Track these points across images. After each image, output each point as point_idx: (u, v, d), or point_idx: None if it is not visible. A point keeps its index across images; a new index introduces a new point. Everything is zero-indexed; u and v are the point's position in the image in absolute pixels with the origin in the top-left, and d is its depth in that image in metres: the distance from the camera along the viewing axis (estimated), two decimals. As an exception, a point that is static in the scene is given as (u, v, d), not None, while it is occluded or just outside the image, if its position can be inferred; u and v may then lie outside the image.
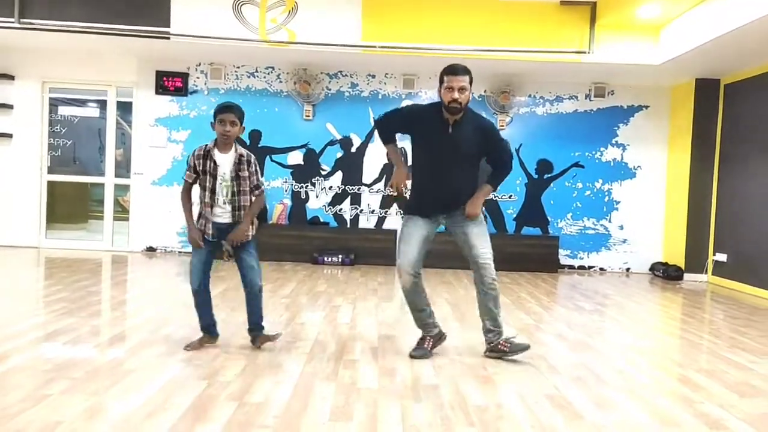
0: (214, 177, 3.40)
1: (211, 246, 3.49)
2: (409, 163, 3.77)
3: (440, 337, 3.71)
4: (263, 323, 3.67)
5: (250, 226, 3.51)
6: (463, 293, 6.02)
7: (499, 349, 3.57)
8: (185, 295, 5.39)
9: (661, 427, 2.69)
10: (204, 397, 2.77)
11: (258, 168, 3.51)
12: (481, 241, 3.48)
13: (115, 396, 2.75)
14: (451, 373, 3.31)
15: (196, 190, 3.52)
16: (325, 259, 7.74)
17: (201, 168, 3.40)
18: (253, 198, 3.51)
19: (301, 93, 8.00)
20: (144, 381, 2.96)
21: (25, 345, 3.51)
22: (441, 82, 3.39)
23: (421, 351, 3.60)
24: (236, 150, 3.43)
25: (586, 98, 8.37)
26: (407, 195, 3.62)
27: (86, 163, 8.85)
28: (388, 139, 3.66)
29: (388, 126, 3.63)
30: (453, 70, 3.35)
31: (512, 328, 4.55)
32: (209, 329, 3.64)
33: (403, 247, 3.50)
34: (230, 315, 4.52)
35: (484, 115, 3.72)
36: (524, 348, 3.56)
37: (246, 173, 3.44)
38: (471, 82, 3.37)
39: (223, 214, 3.46)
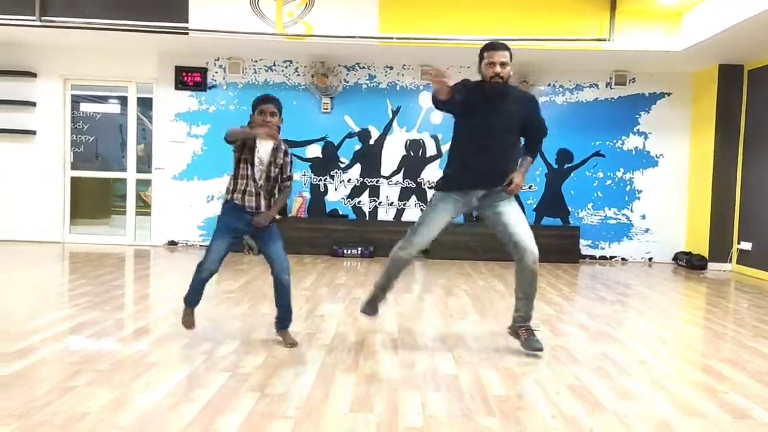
0: (252, 164, 3.36)
1: (235, 234, 3.50)
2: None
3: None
4: (290, 322, 3.63)
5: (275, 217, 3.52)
6: (483, 284, 6.00)
7: (518, 333, 3.57)
8: (208, 284, 5.45)
9: (684, 417, 2.66)
10: (226, 389, 2.80)
11: (292, 160, 3.56)
12: (518, 218, 3.44)
13: (140, 388, 2.79)
14: (471, 364, 3.31)
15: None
16: (345, 251, 7.76)
17: (240, 151, 3.36)
18: (283, 187, 3.51)
19: (318, 86, 8.00)
20: (167, 373, 3.00)
21: (51, 338, 3.57)
22: (481, 58, 3.39)
23: (375, 310, 3.81)
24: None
25: (606, 86, 8.26)
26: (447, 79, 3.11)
27: (108, 158, 8.96)
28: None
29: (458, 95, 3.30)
30: (493, 46, 3.37)
31: (535, 320, 4.52)
32: (195, 304, 3.65)
33: (423, 229, 3.49)
34: (252, 308, 4.57)
35: None
36: (537, 349, 3.46)
37: (281, 161, 3.43)
38: (511, 58, 3.37)
39: (254, 202, 3.42)
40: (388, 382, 2.97)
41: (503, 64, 3.32)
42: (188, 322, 3.62)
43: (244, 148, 3.36)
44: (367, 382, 2.97)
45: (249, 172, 3.36)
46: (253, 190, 3.38)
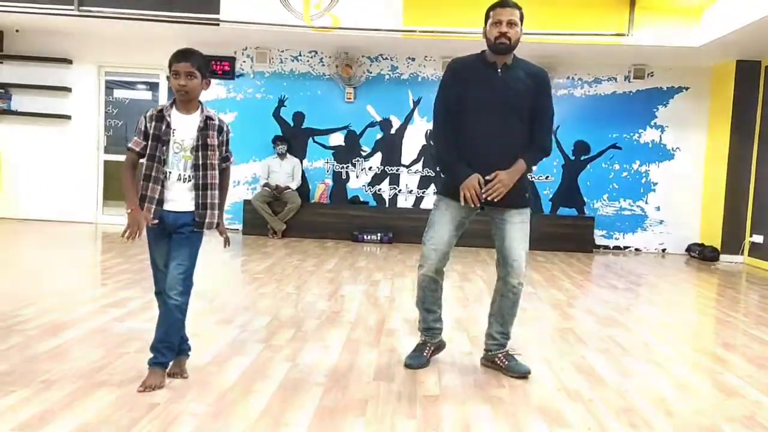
0: (166, 143, 2.63)
1: (167, 237, 2.72)
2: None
3: (440, 346, 3.22)
4: (165, 359, 2.66)
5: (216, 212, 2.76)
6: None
7: (495, 362, 3.07)
8: (237, 265, 5.79)
9: (679, 393, 2.90)
10: (262, 358, 3.09)
11: (230, 138, 2.82)
12: (518, 236, 2.98)
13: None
14: (483, 341, 3.54)
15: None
16: (365, 237, 8.03)
17: (152, 132, 2.63)
18: (218, 172, 2.74)
19: (342, 76, 8.25)
20: (208, 344, 3.28)
21: (98, 310, 3.88)
22: (487, 18, 2.96)
23: (419, 359, 3.09)
24: (202, 111, 2.70)
25: (625, 80, 8.41)
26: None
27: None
28: (449, 150, 2.99)
29: (444, 125, 3.02)
30: (500, 3, 2.94)
31: (546, 304, 4.76)
32: (179, 346, 2.78)
33: (430, 233, 3.02)
34: (278, 288, 4.86)
35: None
36: (522, 374, 2.98)
37: (215, 141, 2.70)
38: (522, 19, 2.93)
39: (178, 197, 2.68)
40: (409, 354, 3.23)
41: (511, 24, 2.86)
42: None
43: (154, 141, 2.64)
44: (388, 355, 3.25)
45: (158, 154, 2.64)
46: (161, 177, 2.66)
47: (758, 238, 7.69)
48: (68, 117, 8.52)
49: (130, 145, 2.67)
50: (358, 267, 6.10)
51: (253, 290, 4.76)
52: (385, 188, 8.58)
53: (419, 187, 8.55)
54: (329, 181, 8.55)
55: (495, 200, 2.89)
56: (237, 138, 8.39)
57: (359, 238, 8.03)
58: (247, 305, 4.24)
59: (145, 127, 2.64)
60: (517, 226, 2.99)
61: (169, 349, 2.69)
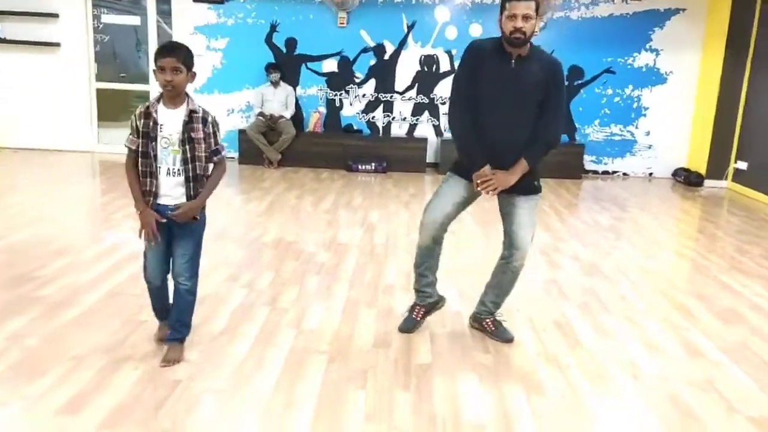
0: (154, 139, 2.72)
1: (165, 228, 2.83)
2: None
3: (436, 304, 3.41)
4: (181, 335, 2.97)
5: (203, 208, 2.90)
6: (488, 207, 6.39)
7: (483, 326, 3.35)
8: (237, 206, 5.98)
9: (647, 354, 3.21)
10: (269, 324, 3.36)
11: (218, 129, 2.86)
12: (524, 222, 3.10)
13: (197, 321, 3.25)
14: (473, 300, 3.61)
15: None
16: (360, 166, 8.16)
17: (142, 129, 2.74)
18: (211, 166, 2.86)
19: (335, 1, 8.07)
20: (218, 308, 3.53)
21: (112, 268, 4.10)
22: (502, 10, 2.93)
23: (409, 322, 3.36)
24: (188, 104, 2.76)
25: (623, 1, 8.27)
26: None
27: (125, 59, 9.21)
28: (467, 132, 3.07)
29: (464, 103, 3.06)
30: None
31: (534, 248, 5.01)
32: (166, 315, 3.09)
33: (433, 203, 3.19)
34: (279, 236, 5.08)
35: None
36: (507, 340, 3.27)
37: (200, 134, 2.76)
38: (537, 9, 2.88)
39: (171, 191, 2.79)
40: (403, 318, 3.50)
41: (526, 17, 2.83)
42: (160, 336, 3.08)
43: (144, 138, 2.74)
44: (386, 318, 3.53)
45: (149, 150, 2.74)
46: (155, 171, 2.76)
47: (742, 165, 7.90)
48: (57, 44, 8.38)
49: (126, 143, 2.79)
50: (354, 206, 6.30)
51: (254, 239, 4.97)
52: (378, 116, 8.63)
53: (413, 114, 8.61)
54: (323, 109, 8.58)
55: (489, 194, 3.04)
56: (230, 65, 8.38)
57: (353, 167, 8.17)
58: (251, 259, 4.47)
59: (136, 124, 2.74)
60: (525, 211, 3.09)
61: (184, 325, 2.98)
